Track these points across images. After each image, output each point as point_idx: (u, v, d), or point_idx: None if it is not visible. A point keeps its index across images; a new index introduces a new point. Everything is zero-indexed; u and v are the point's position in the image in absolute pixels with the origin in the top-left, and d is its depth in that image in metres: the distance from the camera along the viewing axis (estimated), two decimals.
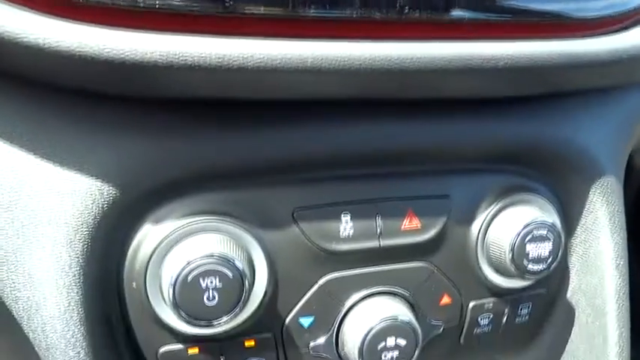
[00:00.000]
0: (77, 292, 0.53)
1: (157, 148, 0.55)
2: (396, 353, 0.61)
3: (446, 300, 0.67)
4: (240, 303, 0.55)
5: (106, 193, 0.54)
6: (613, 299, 0.71)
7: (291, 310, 0.62)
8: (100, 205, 0.54)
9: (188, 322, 0.55)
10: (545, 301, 0.74)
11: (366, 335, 0.60)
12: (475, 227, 0.67)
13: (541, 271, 0.66)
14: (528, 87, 0.63)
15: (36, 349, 0.53)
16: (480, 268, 0.68)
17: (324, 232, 0.61)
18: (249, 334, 0.61)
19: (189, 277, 0.53)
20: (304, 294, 0.62)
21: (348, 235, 0.62)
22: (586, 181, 0.71)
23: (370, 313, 0.62)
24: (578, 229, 0.73)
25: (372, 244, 0.62)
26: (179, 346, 0.59)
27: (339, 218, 0.61)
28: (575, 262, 0.74)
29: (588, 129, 0.70)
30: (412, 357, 0.62)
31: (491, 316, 0.70)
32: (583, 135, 0.70)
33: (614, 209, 0.71)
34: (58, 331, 0.52)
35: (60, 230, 0.52)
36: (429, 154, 0.65)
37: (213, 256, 0.54)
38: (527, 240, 0.64)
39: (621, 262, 0.71)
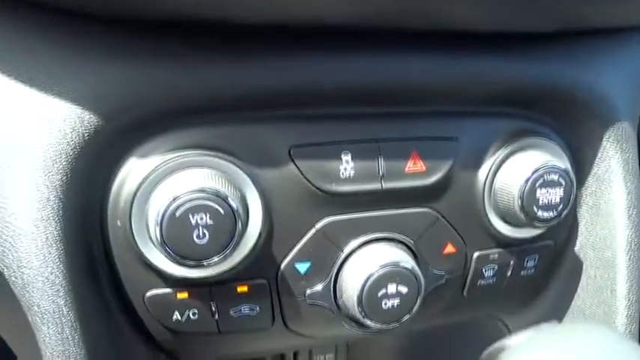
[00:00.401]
0: (56, 227, 0.49)
1: (144, 75, 0.51)
2: (397, 301, 0.58)
3: (450, 249, 0.64)
4: (233, 243, 0.51)
5: (86, 122, 0.49)
6: (624, 251, 0.67)
7: (286, 255, 0.58)
8: (80, 134, 0.49)
9: (176, 262, 0.51)
10: (552, 253, 0.70)
11: (366, 282, 0.57)
12: (483, 172, 0.63)
13: (551, 218, 0.62)
14: (541, 19, 0.58)
15: (11, 287, 0.49)
16: (487, 216, 0.64)
17: (322, 171, 0.57)
18: (241, 279, 0.57)
19: (178, 213, 0.49)
20: (301, 238, 0.58)
21: (349, 176, 0.58)
22: (601, 127, 0.67)
23: (370, 260, 0.58)
24: (590, 179, 0.69)
25: (374, 186, 0.59)
26: (167, 289, 0.55)
27: (339, 158, 0.57)
28: (584, 214, 0.71)
29: (608, 73, 0.66)
30: (414, 306, 0.59)
31: (495, 267, 0.67)
32: (599, 78, 0.65)
33: (628, 157, 0.67)
34: (34, 267, 0.48)
35: (37, 158, 0.48)
36: (436, 93, 0.61)
37: (203, 190, 0.50)
38: (537, 185, 0.61)
39: (634, 213, 0.68)
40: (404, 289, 0.58)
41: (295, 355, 0.86)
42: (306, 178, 0.56)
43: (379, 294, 0.57)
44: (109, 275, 0.55)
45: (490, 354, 0.44)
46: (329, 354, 0.84)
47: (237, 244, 0.52)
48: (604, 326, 0.49)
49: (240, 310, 0.58)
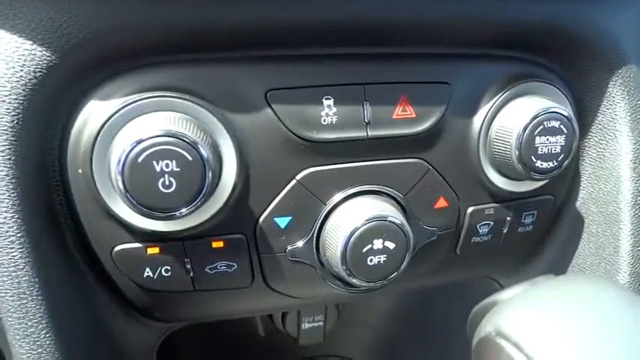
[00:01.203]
0: (7, 174, 0.45)
1: (103, 4, 0.46)
2: (383, 258, 0.54)
3: (442, 203, 0.60)
4: (203, 194, 0.47)
5: (38, 57, 0.45)
6: (628, 205, 0.63)
7: (265, 209, 0.54)
8: (32, 71, 0.45)
9: (142, 214, 0.47)
10: (551, 209, 0.66)
11: (350, 237, 0.53)
12: (478, 120, 0.59)
13: (552, 169, 0.58)
14: None
15: None
16: (482, 168, 0.60)
17: (302, 117, 0.52)
18: (216, 234, 0.53)
19: (141, 158, 0.45)
20: (280, 190, 0.54)
21: (331, 123, 0.53)
22: (607, 72, 0.62)
23: (355, 213, 0.54)
24: (594, 128, 0.65)
25: (359, 133, 0.54)
26: (136, 244, 0.52)
27: (320, 102, 0.53)
28: (587, 166, 0.66)
29: (613, 10, 0.60)
30: (402, 263, 0.55)
31: (491, 223, 0.63)
32: (607, 16, 0.60)
33: (636, 104, 0.62)
34: None
35: None
36: (428, 32, 0.56)
37: (170, 134, 0.45)
38: (536, 133, 0.56)
39: None
40: (391, 245, 0.54)
41: (283, 317, 0.83)
42: (284, 124, 0.52)
43: (364, 250, 0.53)
44: (73, 229, 0.51)
45: (481, 308, 0.41)
46: (318, 316, 0.81)
47: (209, 195, 0.48)
48: (603, 278, 0.45)
49: (217, 267, 0.55)
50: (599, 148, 0.65)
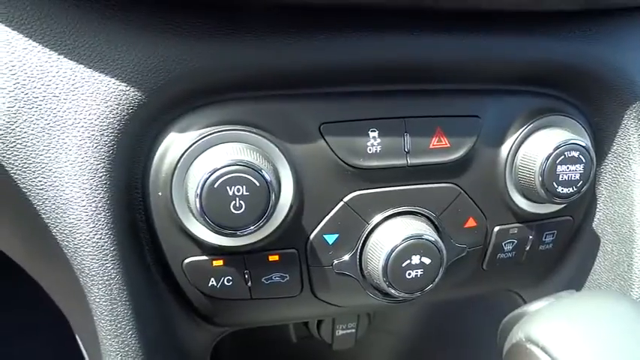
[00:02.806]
0: (103, 197, 0.52)
1: (186, 53, 0.53)
2: (420, 272, 0.61)
3: (471, 223, 0.66)
4: (267, 214, 0.54)
5: (131, 97, 0.52)
6: None
7: (315, 226, 0.61)
8: (126, 109, 0.52)
9: (214, 231, 0.54)
10: (570, 229, 0.72)
11: (391, 253, 0.60)
12: (505, 149, 0.66)
13: (571, 194, 0.64)
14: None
15: (64, 250, 0.53)
16: (508, 192, 0.67)
17: (351, 147, 0.60)
18: (273, 248, 0.60)
19: (217, 184, 0.52)
20: (329, 210, 0.61)
21: (376, 152, 0.60)
22: (621, 105, 0.68)
23: (395, 232, 0.61)
24: (609, 156, 0.71)
25: (400, 161, 0.61)
26: (204, 257, 0.59)
27: (366, 134, 0.60)
28: (603, 191, 0.73)
29: (627, 50, 0.67)
30: (436, 277, 0.62)
31: (515, 241, 0.69)
32: (622, 56, 0.67)
33: None
34: (84, 233, 0.52)
35: (86, 132, 0.52)
36: (460, 71, 0.63)
37: (240, 163, 0.53)
38: (558, 162, 0.63)
39: None
40: (427, 261, 0.61)
41: (318, 325, 0.90)
42: (335, 153, 0.59)
43: (403, 264, 0.60)
44: (150, 243, 0.59)
45: (512, 318, 0.47)
46: (351, 323, 0.87)
47: (271, 215, 0.55)
48: (619, 294, 0.51)
49: (271, 278, 0.62)
50: (615, 174, 0.72)
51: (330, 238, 0.62)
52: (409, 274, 0.61)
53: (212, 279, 0.60)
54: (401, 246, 0.60)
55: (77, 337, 0.67)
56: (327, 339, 0.90)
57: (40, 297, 0.70)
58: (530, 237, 0.70)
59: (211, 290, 0.61)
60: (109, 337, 0.53)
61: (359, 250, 0.63)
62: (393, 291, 0.61)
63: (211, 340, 0.71)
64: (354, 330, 0.89)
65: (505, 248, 0.70)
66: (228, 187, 0.52)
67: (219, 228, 0.54)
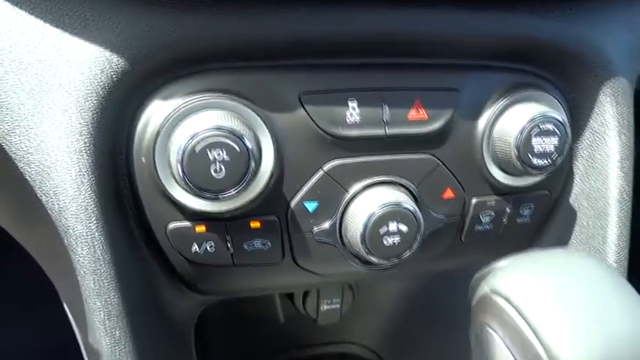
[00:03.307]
0: (87, 160, 0.54)
1: (169, 23, 0.55)
2: (397, 239, 0.63)
3: (449, 194, 0.68)
4: (246, 179, 0.56)
5: (114, 64, 0.54)
6: (615, 201, 0.71)
7: (296, 194, 0.63)
8: (109, 76, 0.54)
9: (195, 195, 0.56)
10: (547, 202, 0.74)
11: (369, 220, 0.62)
12: (482, 122, 0.67)
13: (546, 166, 0.66)
14: None
15: (48, 212, 0.54)
16: (485, 165, 0.68)
17: (330, 116, 0.61)
18: (254, 215, 0.62)
19: (198, 149, 0.54)
20: (310, 178, 0.63)
21: (355, 122, 0.62)
22: (597, 82, 0.70)
23: (373, 200, 0.63)
24: (586, 132, 0.73)
25: (378, 131, 0.63)
26: (187, 223, 0.61)
27: (345, 104, 0.62)
28: (580, 166, 0.75)
29: (604, 28, 0.69)
30: (413, 244, 0.64)
31: (493, 214, 0.71)
32: (600, 36, 0.68)
33: (623, 110, 0.71)
34: (69, 195, 0.53)
35: (70, 97, 0.53)
36: (440, 46, 0.65)
37: (221, 129, 0.54)
38: (533, 134, 0.65)
39: (626, 165, 0.71)
40: (404, 228, 0.63)
41: (304, 300, 0.91)
42: (314, 122, 0.61)
43: (381, 232, 0.62)
44: (134, 209, 0.60)
45: (479, 276, 0.49)
46: (335, 298, 0.89)
47: (251, 181, 0.57)
48: (584, 252, 0.53)
49: (253, 245, 0.63)
50: (591, 149, 0.73)
51: (311, 206, 0.64)
52: (387, 241, 0.63)
53: (195, 245, 0.62)
54: (379, 213, 0.62)
55: (65, 305, 0.69)
56: (312, 314, 0.92)
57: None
58: (508, 209, 0.71)
59: (194, 256, 0.62)
60: (92, 296, 0.55)
61: (339, 218, 0.65)
62: (371, 257, 0.63)
63: (196, 309, 0.73)
64: (338, 305, 0.91)
65: (483, 220, 0.71)
66: (208, 152, 0.54)
67: (200, 192, 0.55)
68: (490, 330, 0.46)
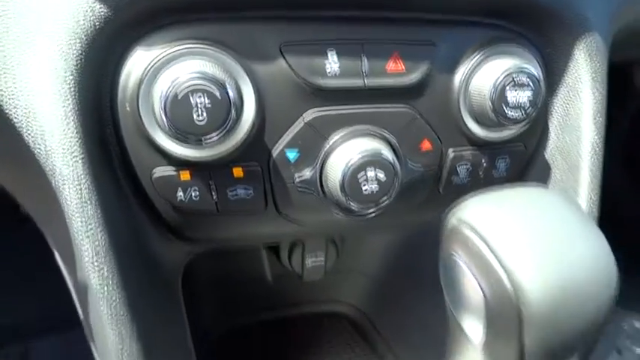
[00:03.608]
0: (73, 103, 0.55)
1: None
2: (375, 186, 0.65)
3: (426, 145, 0.70)
4: (228, 124, 0.58)
5: (97, 12, 0.55)
6: (587, 154, 0.74)
7: (277, 143, 0.65)
8: (92, 23, 0.55)
9: (179, 140, 0.58)
10: (522, 157, 0.77)
11: (348, 168, 0.64)
12: (458, 76, 0.69)
13: (520, 119, 0.68)
14: None
15: (36, 157, 0.56)
16: (462, 117, 0.70)
17: (310, 67, 0.63)
18: (237, 162, 0.64)
19: (180, 95, 0.56)
20: (290, 128, 0.65)
21: (334, 73, 0.64)
22: (573, 39, 0.72)
23: (352, 149, 0.65)
24: (561, 87, 0.75)
25: (358, 82, 0.65)
26: (171, 169, 0.63)
27: (325, 55, 0.63)
28: (555, 121, 0.77)
29: None
30: (391, 192, 0.66)
31: (469, 166, 0.74)
32: None
33: (596, 66, 0.73)
34: (55, 137, 0.55)
35: (54, 43, 0.55)
36: (418, 0, 0.66)
37: (203, 75, 0.56)
38: (507, 86, 0.67)
39: (599, 120, 0.74)
40: (382, 176, 0.65)
41: (290, 256, 0.94)
42: (295, 72, 0.63)
43: (360, 179, 0.64)
44: (119, 155, 0.62)
45: (449, 212, 0.51)
46: (319, 252, 0.92)
47: (232, 128, 0.59)
48: (551, 188, 0.55)
49: (236, 193, 0.66)
50: (566, 104, 0.76)
51: (292, 155, 0.66)
52: (365, 188, 0.65)
53: (180, 191, 0.64)
54: (357, 161, 0.64)
55: (55, 253, 0.71)
56: (298, 269, 0.95)
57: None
58: (484, 162, 0.74)
59: (180, 203, 0.65)
60: (80, 236, 0.57)
61: (319, 167, 0.67)
62: (351, 204, 0.66)
63: (183, 258, 0.76)
64: (322, 261, 0.93)
65: (460, 172, 0.74)
66: (191, 97, 0.56)
67: (183, 137, 0.57)
68: (456, 258, 0.48)
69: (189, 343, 0.79)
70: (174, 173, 0.63)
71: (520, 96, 0.68)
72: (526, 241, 0.45)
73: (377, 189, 0.65)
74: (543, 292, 0.44)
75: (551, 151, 0.78)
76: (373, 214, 0.69)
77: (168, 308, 0.74)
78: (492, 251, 0.46)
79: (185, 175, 0.63)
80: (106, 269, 0.57)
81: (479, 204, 0.48)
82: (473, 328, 0.50)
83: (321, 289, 1.18)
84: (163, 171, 0.63)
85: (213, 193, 0.65)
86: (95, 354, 0.69)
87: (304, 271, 0.94)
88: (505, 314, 0.45)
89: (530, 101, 0.68)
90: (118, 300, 0.58)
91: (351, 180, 0.64)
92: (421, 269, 1.08)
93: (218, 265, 1.06)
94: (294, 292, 1.18)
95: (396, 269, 1.10)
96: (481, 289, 0.46)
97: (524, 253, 0.45)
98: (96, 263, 0.57)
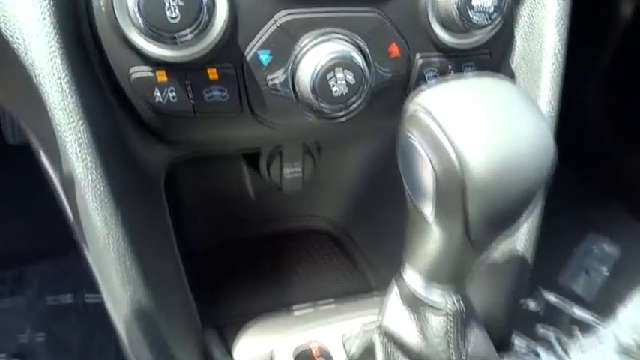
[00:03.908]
0: (49, 3, 0.58)
1: None
2: (344, 87, 0.68)
3: (395, 50, 0.73)
4: (201, 21, 0.60)
5: None
6: (550, 60, 0.77)
7: (250, 45, 0.67)
8: None
9: (153, 38, 0.60)
10: (488, 65, 0.80)
11: (318, 70, 0.67)
12: None
13: (484, 24, 0.71)
14: None
15: (16, 52, 0.59)
16: (429, 23, 0.73)
17: None
18: (211, 63, 0.67)
19: None
20: (263, 31, 0.67)
21: None
22: None
23: (323, 52, 0.68)
24: None
25: None
26: (148, 69, 0.65)
27: None
28: (520, 30, 0.80)
29: None
30: (360, 93, 0.69)
31: (437, 72, 0.77)
32: None
33: None
34: (33, 32, 0.58)
35: None
36: None
37: None
38: None
39: (562, 27, 0.77)
40: (351, 78, 0.68)
41: (268, 169, 0.99)
42: None
43: (330, 80, 0.67)
44: (97, 55, 0.65)
45: (407, 100, 0.55)
46: (296, 162, 0.97)
47: (206, 28, 0.62)
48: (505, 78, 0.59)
49: (212, 94, 0.69)
50: (530, 13, 0.79)
51: (264, 58, 0.69)
52: (335, 90, 0.68)
53: (157, 92, 0.67)
54: (327, 63, 0.67)
55: (41, 153, 0.74)
56: (277, 180, 0.99)
57: None
58: (451, 68, 0.77)
59: (158, 104, 0.68)
60: (63, 129, 0.60)
61: (291, 70, 0.70)
62: (322, 105, 0.69)
63: (164, 161, 0.80)
64: (300, 171, 0.98)
65: (427, 79, 0.77)
66: None
67: (157, 35, 0.60)
68: (412, 139, 0.53)
69: (174, 248, 0.85)
70: (151, 73, 0.66)
71: (486, 2, 0.70)
72: (473, 121, 0.50)
73: (346, 90, 0.69)
74: (485, 166, 0.49)
75: (517, 59, 0.81)
76: (344, 117, 0.73)
77: (152, 208, 0.79)
78: (442, 130, 0.50)
79: (162, 76, 0.66)
80: (89, 159, 0.61)
81: (433, 90, 0.52)
82: (425, 204, 0.55)
83: (302, 205, 1.23)
84: (140, 71, 0.65)
85: (190, 95, 0.68)
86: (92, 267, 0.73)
87: (283, 181, 0.99)
88: (452, 187, 0.50)
89: (494, 6, 0.70)
90: (102, 188, 0.62)
91: (321, 81, 0.67)
92: (395, 183, 1.14)
93: (201, 183, 1.10)
94: (277, 209, 1.23)
95: (372, 183, 1.15)
96: (432, 165, 0.51)
97: (471, 131, 0.49)
98: (79, 154, 0.61)
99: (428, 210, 0.55)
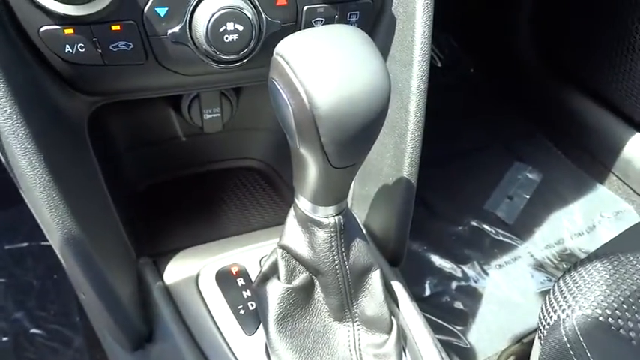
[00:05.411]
0: None
1: None
2: (235, 37, 0.78)
3: (282, 1, 0.82)
4: None
5: None
6: (421, 5, 0.88)
7: (147, 1, 0.76)
8: None
9: None
10: (371, 12, 0.90)
11: (210, 20, 0.76)
12: None
13: None
14: None
15: None
16: None
17: None
18: (114, 19, 0.75)
19: None
20: None
21: None
22: None
23: (214, 4, 0.77)
24: None
25: None
26: (55, 26, 0.73)
27: None
28: None
29: None
30: (250, 42, 0.79)
31: (323, 20, 0.87)
32: None
33: None
34: None
35: None
36: None
37: None
38: None
39: None
40: (240, 28, 0.78)
41: (189, 111, 1.09)
42: None
43: (221, 30, 0.77)
44: (7, 15, 0.72)
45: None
46: (215, 108, 1.07)
47: None
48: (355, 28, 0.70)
49: (117, 46, 0.77)
50: None
51: (162, 11, 0.77)
52: (227, 39, 0.78)
53: (67, 46, 0.75)
54: (217, 14, 0.76)
55: None
56: (198, 122, 1.09)
57: None
58: (336, 16, 0.87)
59: (69, 56, 0.76)
60: None
61: (187, 21, 0.78)
62: (218, 54, 0.79)
63: (86, 109, 0.88)
64: (218, 113, 1.08)
65: (315, 25, 0.87)
66: None
67: None
68: (276, 83, 0.64)
69: (103, 186, 0.95)
70: (59, 29, 0.73)
71: None
72: (320, 66, 0.61)
73: (237, 39, 0.78)
74: (329, 104, 0.60)
75: (396, 5, 0.92)
76: (239, 63, 0.83)
77: (76, 150, 0.88)
78: (295, 75, 0.61)
79: (69, 31, 0.74)
80: (8, 109, 0.70)
81: (289, 39, 0.63)
82: (292, 137, 0.67)
83: (230, 146, 1.34)
84: (49, 28, 0.73)
85: (98, 47, 0.76)
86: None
87: (203, 123, 1.09)
88: (306, 122, 0.62)
89: None
90: (24, 134, 0.71)
91: (214, 31, 0.77)
92: None
93: (133, 126, 1.19)
94: (208, 150, 1.34)
95: None
96: (290, 104, 0.63)
97: (317, 75, 0.60)
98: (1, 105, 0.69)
99: (295, 141, 0.67)
